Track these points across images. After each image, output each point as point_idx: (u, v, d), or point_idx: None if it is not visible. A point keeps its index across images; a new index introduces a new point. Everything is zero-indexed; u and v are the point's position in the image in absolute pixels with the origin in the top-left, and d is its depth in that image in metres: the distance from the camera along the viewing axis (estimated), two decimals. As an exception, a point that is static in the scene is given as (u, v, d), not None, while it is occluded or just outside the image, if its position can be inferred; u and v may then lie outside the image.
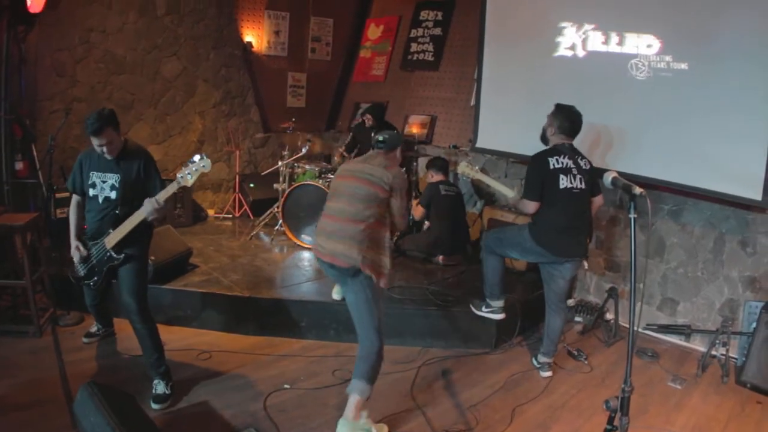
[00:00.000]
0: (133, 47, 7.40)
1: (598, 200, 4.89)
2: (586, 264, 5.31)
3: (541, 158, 4.61)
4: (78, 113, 6.77)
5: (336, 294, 5.26)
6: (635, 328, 2.80)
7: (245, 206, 8.27)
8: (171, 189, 3.95)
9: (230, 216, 8.30)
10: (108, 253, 4.10)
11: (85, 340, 4.94)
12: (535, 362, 5.06)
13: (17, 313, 5.27)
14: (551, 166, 4.54)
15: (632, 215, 2.82)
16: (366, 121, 7.59)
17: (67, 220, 4.41)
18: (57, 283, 5.35)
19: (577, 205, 4.64)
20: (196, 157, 3.95)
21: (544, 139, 4.81)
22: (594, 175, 4.65)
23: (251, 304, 5.32)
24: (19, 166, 6.26)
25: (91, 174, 4.13)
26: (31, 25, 6.24)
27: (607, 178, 3.11)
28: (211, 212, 8.46)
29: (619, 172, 5.25)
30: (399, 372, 4.80)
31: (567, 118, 4.65)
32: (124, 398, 3.65)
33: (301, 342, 5.24)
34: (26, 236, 4.94)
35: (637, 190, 2.85)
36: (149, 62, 7.61)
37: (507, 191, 4.98)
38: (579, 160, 4.65)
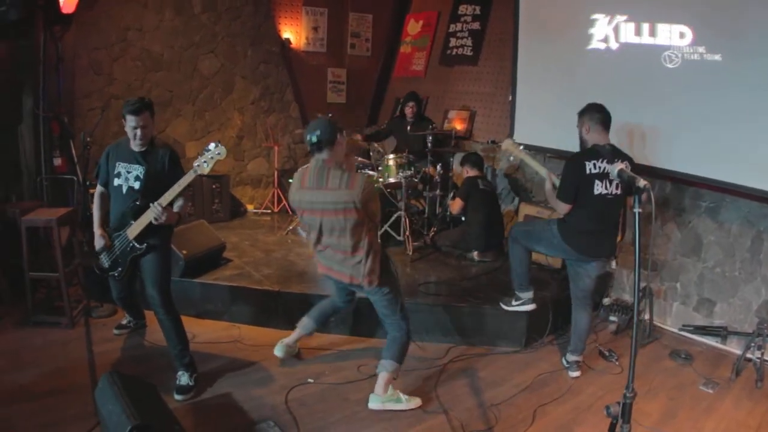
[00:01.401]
0: (170, 45, 7.52)
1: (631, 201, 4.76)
2: (614, 263, 5.20)
3: (578, 162, 4.49)
4: (115, 110, 6.89)
5: (278, 350, 4.74)
6: (635, 328, 2.70)
7: (284, 201, 8.30)
8: (188, 178, 4.01)
9: (269, 211, 8.37)
10: (131, 244, 4.18)
11: (116, 331, 5.04)
12: (564, 362, 4.95)
13: (52, 304, 5.39)
14: (588, 171, 4.42)
15: (636, 209, 2.74)
16: (408, 110, 7.57)
17: (100, 214, 4.52)
18: (91, 275, 5.44)
19: (608, 210, 4.55)
20: (211, 145, 4.02)
21: (582, 144, 4.67)
22: (629, 182, 4.53)
23: (281, 298, 5.34)
24: (57, 162, 6.43)
25: (117, 164, 4.24)
26: (67, 25, 6.38)
27: (614, 169, 3.04)
28: (250, 207, 8.55)
29: (653, 168, 5.18)
30: (425, 369, 4.77)
31: (595, 110, 4.53)
32: (146, 388, 3.71)
33: (330, 337, 5.24)
34: (62, 230, 5.05)
35: (641, 182, 2.77)
36: (186, 59, 7.71)
37: (544, 172, 4.92)
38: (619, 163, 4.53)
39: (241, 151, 8.54)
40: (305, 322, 4.69)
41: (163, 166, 4.19)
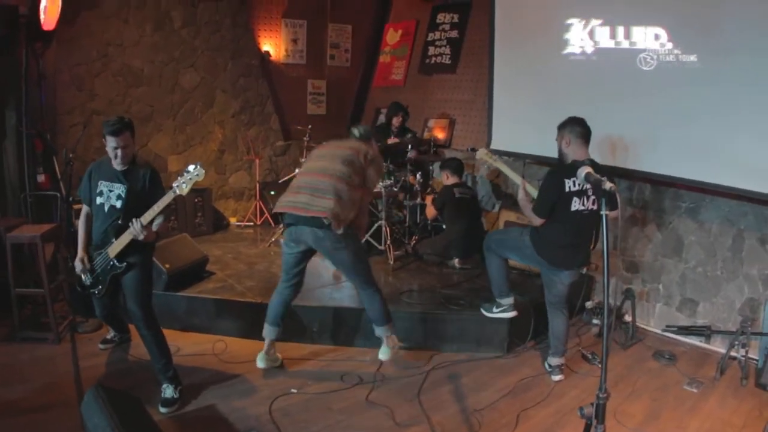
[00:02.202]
0: (151, 60, 7.53)
1: (613, 215, 4.77)
2: (584, 269, 5.27)
3: (558, 178, 4.48)
4: (97, 126, 6.88)
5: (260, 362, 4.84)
6: (606, 326, 2.77)
7: (266, 214, 8.34)
8: (167, 199, 4.03)
9: (251, 224, 8.37)
10: (111, 262, 4.21)
11: (101, 346, 5.06)
12: (546, 366, 5.00)
13: (38, 320, 5.40)
14: (567, 189, 4.42)
15: (603, 212, 2.79)
16: (396, 121, 7.62)
17: (83, 231, 4.55)
18: (76, 291, 5.44)
19: (584, 225, 4.59)
20: (191, 167, 4.03)
21: (561, 157, 4.64)
22: (595, 184, 4.58)
23: (263, 310, 5.32)
24: (41, 178, 6.43)
25: (99, 183, 4.28)
26: (48, 41, 6.39)
27: (581, 173, 3.10)
28: (233, 220, 8.55)
29: (631, 170, 5.22)
30: (408, 377, 4.80)
31: (576, 123, 4.51)
32: (130, 401, 3.73)
33: (312, 347, 5.27)
34: (46, 246, 5.07)
35: (607, 185, 2.82)
36: (167, 74, 7.73)
37: (518, 180, 4.96)
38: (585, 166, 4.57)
39: (223, 165, 8.55)
40: (266, 329, 4.81)
41: (144, 184, 4.24)
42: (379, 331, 4.79)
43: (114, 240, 4.16)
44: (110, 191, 4.23)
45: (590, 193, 4.46)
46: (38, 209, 6.39)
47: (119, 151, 4.11)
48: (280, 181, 8.20)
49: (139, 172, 4.25)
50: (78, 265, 4.39)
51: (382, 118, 8.81)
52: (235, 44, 8.31)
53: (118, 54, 7.23)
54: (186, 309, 5.48)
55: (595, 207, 4.51)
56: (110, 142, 4.09)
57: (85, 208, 4.49)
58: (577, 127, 4.50)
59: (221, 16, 8.08)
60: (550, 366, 4.94)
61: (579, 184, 4.42)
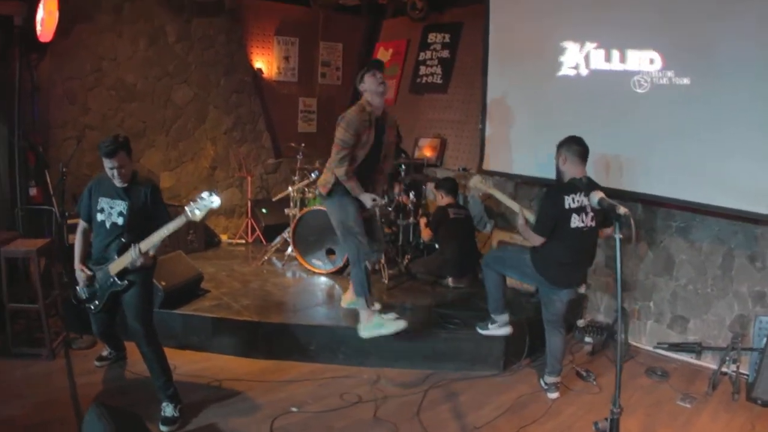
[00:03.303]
0: (144, 75, 7.52)
1: (607, 232, 4.87)
2: (583, 288, 5.32)
3: (557, 196, 4.56)
4: (90, 141, 6.87)
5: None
6: (621, 344, 2.82)
7: (258, 231, 8.33)
8: (178, 223, 3.98)
9: (243, 241, 8.35)
10: (111, 279, 4.20)
11: (97, 363, 5.01)
12: (542, 383, 5.03)
13: (31, 336, 5.36)
14: (566, 206, 4.50)
15: (617, 235, 2.84)
16: None
17: (78, 245, 4.51)
18: (70, 307, 5.41)
19: (583, 242, 4.65)
20: (205, 194, 3.95)
21: (559, 175, 4.73)
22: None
23: (261, 328, 5.36)
24: (32, 192, 6.39)
25: (100, 200, 4.26)
26: (42, 54, 6.38)
27: (594, 198, 3.15)
28: (224, 237, 8.50)
29: (625, 191, 5.30)
30: (406, 396, 4.81)
31: (574, 142, 4.61)
32: (132, 419, 3.71)
33: (310, 366, 5.24)
34: (40, 261, 5.03)
35: (622, 210, 2.89)
36: (160, 89, 7.71)
37: (516, 207, 4.95)
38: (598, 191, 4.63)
39: (215, 182, 8.51)
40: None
41: (145, 201, 4.24)
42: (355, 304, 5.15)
43: (116, 257, 4.15)
44: (111, 208, 4.22)
45: (589, 210, 4.53)
46: (29, 223, 6.33)
47: (115, 171, 4.11)
48: (273, 200, 8.14)
49: (140, 189, 4.26)
50: (80, 275, 4.37)
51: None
52: (229, 60, 8.32)
53: (111, 68, 7.21)
54: (182, 327, 5.45)
55: (593, 224, 4.58)
56: (106, 163, 4.10)
57: (82, 224, 4.46)
58: (574, 146, 4.59)
59: (215, 32, 8.09)
60: (546, 384, 4.98)
61: (578, 201, 4.49)
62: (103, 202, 4.24)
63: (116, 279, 4.19)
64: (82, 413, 4.09)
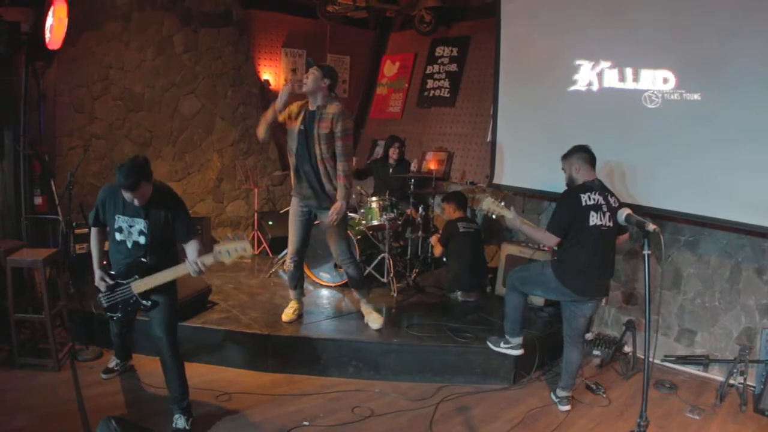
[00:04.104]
0: (152, 85, 7.52)
1: (623, 238, 4.93)
2: (604, 300, 5.31)
3: (573, 194, 4.60)
4: (96, 150, 6.87)
5: None
6: (651, 360, 2.82)
7: (264, 244, 8.28)
8: (207, 260, 3.92)
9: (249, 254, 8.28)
10: (134, 297, 4.12)
11: (104, 376, 4.92)
12: (553, 397, 5.02)
13: (36, 347, 5.28)
14: (583, 203, 4.52)
15: (646, 251, 2.83)
16: (394, 152, 7.58)
17: (85, 255, 4.43)
18: (76, 318, 5.39)
19: (604, 243, 4.64)
20: (237, 241, 3.84)
21: (571, 182, 4.75)
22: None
23: (270, 341, 5.31)
24: (38, 201, 6.34)
25: (117, 218, 4.09)
26: (49, 61, 6.36)
27: (621, 215, 3.15)
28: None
29: (635, 205, 5.32)
30: (418, 409, 4.77)
31: (583, 150, 4.70)
32: (143, 432, 3.67)
33: (321, 379, 5.20)
34: (45, 271, 4.98)
35: (651, 226, 2.88)
36: (167, 100, 7.72)
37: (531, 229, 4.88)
38: (609, 197, 4.65)
39: (221, 193, 8.51)
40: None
41: (167, 219, 4.07)
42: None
43: (137, 277, 4.07)
44: (131, 227, 4.06)
45: (605, 209, 4.55)
46: (35, 232, 6.29)
47: (136, 200, 3.91)
48: (280, 212, 8.10)
49: (160, 207, 4.05)
50: (101, 285, 4.25)
51: (378, 150, 8.84)
52: (236, 72, 8.33)
53: (119, 77, 7.21)
54: (191, 339, 5.37)
55: (611, 224, 4.58)
56: (125, 195, 3.89)
57: (94, 228, 4.34)
58: (584, 153, 4.69)
59: (223, 43, 8.11)
60: (557, 397, 4.96)
61: (594, 199, 4.54)
62: (121, 221, 4.08)
63: (139, 298, 4.11)
64: (89, 426, 4.06)
